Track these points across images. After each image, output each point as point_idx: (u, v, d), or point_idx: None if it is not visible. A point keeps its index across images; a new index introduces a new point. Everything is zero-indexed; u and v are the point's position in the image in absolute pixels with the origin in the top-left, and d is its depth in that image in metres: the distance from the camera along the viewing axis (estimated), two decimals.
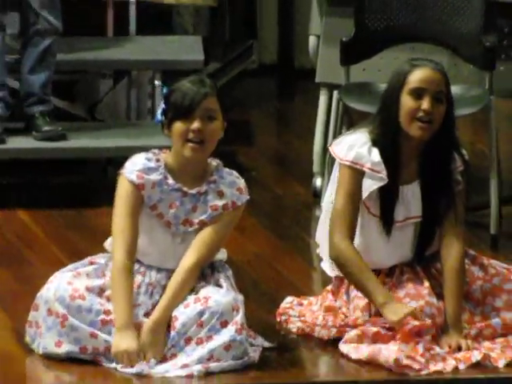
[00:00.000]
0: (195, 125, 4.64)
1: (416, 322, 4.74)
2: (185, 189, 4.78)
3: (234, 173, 4.94)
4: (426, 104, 4.73)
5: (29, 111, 6.28)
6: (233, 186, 4.86)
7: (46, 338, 4.77)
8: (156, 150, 4.84)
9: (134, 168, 4.73)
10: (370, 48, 5.95)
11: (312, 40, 6.45)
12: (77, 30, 6.73)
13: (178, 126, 4.68)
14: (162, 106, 4.92)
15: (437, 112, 4.77)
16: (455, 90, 5.29)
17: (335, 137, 5.92)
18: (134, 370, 4.68)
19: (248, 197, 4.89)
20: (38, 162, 6.39)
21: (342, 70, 5.94)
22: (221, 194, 4.82)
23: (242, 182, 4.90)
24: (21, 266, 5.37)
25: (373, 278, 4.83)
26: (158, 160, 4.78)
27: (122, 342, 4.62)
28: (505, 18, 5.94)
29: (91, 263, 4.93)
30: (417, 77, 4.79)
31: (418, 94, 4.75)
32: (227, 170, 4.93)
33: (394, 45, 5.96)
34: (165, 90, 5.02)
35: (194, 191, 4.78)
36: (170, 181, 4.77)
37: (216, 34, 7.43)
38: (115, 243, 4.72)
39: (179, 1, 7.25)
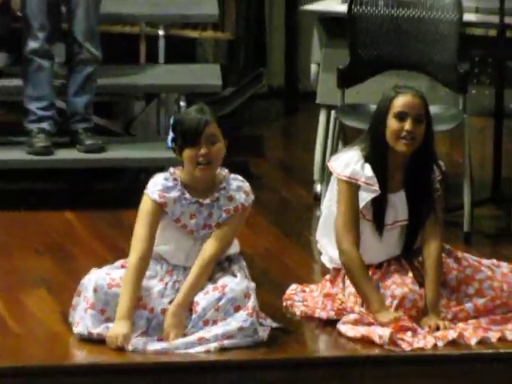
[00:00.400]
0: (202, 151, 4.66)
1: (405, 323, 4.77)
2: (200, 200, 4.80)
3: (239, 178, 4.93)
4: (408, 125, 4.76)
5: (73, 128, 6.26)
6: (240, 189, 4.86)
7: (83, 320, 4.75)
8: (172, 169, 4.85)
9: (155, 188, 4.75)
10: (362, 74, 5.98)
11: (313, 67, 6.45)
12: (114, 59, 6.72)
13: (188, 152, 4.71)
14: (171, 134, 4.92)
15: (418, 131, 4.79)
16: (434, 109, 5.40)
17: (333, 149, 5.94)
18: (159, 347, 4.67)
19: (253, 197, 4.90)
20: (82, 171, 6.43)
21: (339, 93, 5.95)
22: (231, 199, 4.82)
23: (247, 186, 4.89)
24: (67, 260, 5.39)
25: (371, 286, 4.85)
26: (174, 179, 4.80)
27: (117, 328, 4.61)
28: (476, 49, 5.88)
29: (122, 266, 4.92)
30: (400, 102, 4.83)
31: (401, 117, 4.77)
32: (233, 175, 4.91)
33: (382, 71, 5.97)
34: (171, 121, 5.00)
35: (208, 201, 4.79)
36: (187, 196, 4.79)
37: (232, 62, 7.44)
38: (133, 249, 4.74)
39: (201, 35, 7.24)
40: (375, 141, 4.88)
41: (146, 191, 4.77)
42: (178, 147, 4.78)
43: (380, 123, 4.83)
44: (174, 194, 4.77)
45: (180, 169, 4.80)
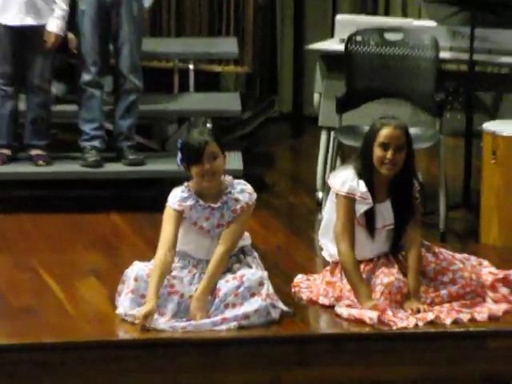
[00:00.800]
0: (205, 167, 4.68)
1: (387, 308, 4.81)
2: (212, 205, 4.81)
3: (242, 181, 4.95)
4: (389, 154, 4.78)
5: (119, 145, 6.27)
6: (243, 191, 4.85)
7: (124, 303, 4.80)
8: (186, 183, 4.85)
9: (174, 200, 4.78)
10: (356, 102, 5.96)
11: (316, 96, 6.41)
12: (153, 89, 6.71)
13: (194, 169, 4.72)
14: (179, 155, 4.91)
15: (399, 158, 4.81)
16: (415, 130, 5.50)
17: (332, 163, 5.98)
18: (187, 326, 4.67)
19: (255, 196, 4.90)
20: (126, 180, 6.45)
21: (337, 117, 5.95)
22: (237, 200, 4.82)
23: (249, 187, 4.90)
24: (113, 254, 5.43)
25: (361, 281, 4.88)
26: (189, 190, 4.82)
27: (144, 307, 4.59)
28: (450, 81, 5.95)
29: None
30: (384, 134, 4.83)
31: (384, 146, 4.78)
32: (236, 180, 4.93)
33: (373, 100, 5.97)
34: (178, 144, 4.99)
35: (218, 204, 4.80)
36: (201, 202, 4.80)
37: (249, 91, 7.40)
38: (160, 246, 4.76)
39: (224, 69, 7.24)
40: (365, 163, 4.89)
41: (167, 203, 4.81)
42: (186, 165, 4.82)
43: (368, 150, 4.85)
44: (190, 202, 4.80)
45: (192, 181, 4.81)
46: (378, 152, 4.82)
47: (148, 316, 4.60)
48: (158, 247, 4.76)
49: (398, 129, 4.87)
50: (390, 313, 4.80)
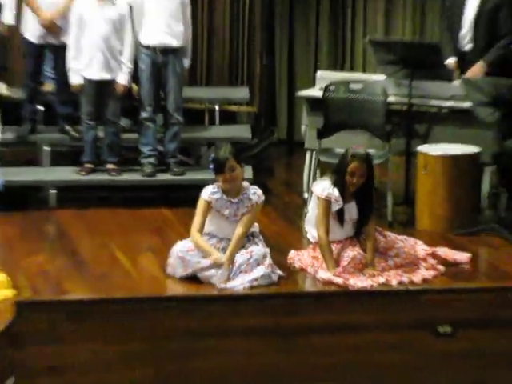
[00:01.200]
0: (226, 176, 4.69)
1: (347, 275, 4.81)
2: (232, 200, 4.78)
3: (255, 187, 4.91)
4: (354, 180, 4.80)
5: (167, 161, 6.23)
6: (255, 194, 4.82)
7: (175, 269, 4.79)
8: (216, 183, 4.84)
9: (206, 193, 4.76)
10: (331, 131, 5.90)
11: (303, 127, 6.34)
12: (190, 122, 6.69)
13: (219, 176, 4.73)
14: (211, 166, 4.88)
15: (361, 180, 4.81)
16: (372, 151, 5.43)
17: (314, 174, 5.99)
18: (217, 284, 4.67)
19: (263, 198, 4.88)
20: (172, 186, 6.35)
21: (317, 142, 5.90)
22: (249, 200, 4.79)
23: (259, 192, 4.86)
24: (164, 236, 5.39)
25: (331, 256, 4.88)
26: (218, 187, 4.78)
27: (212, 257, 4.64)
28: (395, 117, 5.96)
29: None
30: (351, 166, 4.80)
31: (351, 174, 4.78)
32: (252, 186, 4.91)
33: (342, 130, 5.91)
34: (210, 159, 5.00)
35: (236, 200, 4.77)
36: (224, 197, 4.78)
37: (256, 123, 7.34)
38: (193, 227, 4.76)
39: (239, 108, 7.20)
40: (338, 179, 4.89)
41: (201, 195, 4.78)
42: (214, 173, 4.79)
43: (341, 172, 4.83)
44: (217, 196, 4.76)
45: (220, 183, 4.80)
46: (347, 177, 4.83)
47: (217, 259, 4.67)
48: (192, 225, 4.79)
49: (363, 163, 4.85)
50: (352, 279, 4.78)
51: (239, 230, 4.78)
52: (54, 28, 6.04)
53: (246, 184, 4.89)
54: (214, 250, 4.77)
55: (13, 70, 6.58)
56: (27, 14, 6.11)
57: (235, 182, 4.78)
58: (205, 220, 4.80)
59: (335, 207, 4.91)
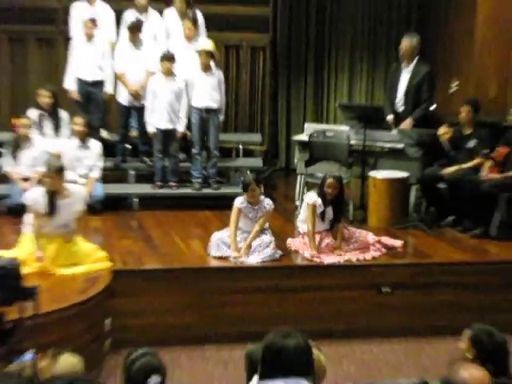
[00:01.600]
0: (249, 194, 4.66)
1: (323, 255, 4.80)
2: (254, 207, 4.72)
3: (268, 199, 4.83)
4: (330, 191, 4.77)
5: (209, 181, 6.16)
6: (268, 204, 4.75)
7: (211, 250, 4.74)
8: (243, 196, 4.75)
9: (238, 202, 4.69)
10: (314, 162, 5.89)
11: (296, 160, 6.22)
12: (224, 156, 6.55)
13: (245, 194, 4.68)
14: (241, 186, 4.87)
15: (334, 192, 4.78)
16: (342, 174, 5.31)
17: (302, 191, 5.87)
18: (237, 261, 4.64)
19: (273, 206, 4.82)
20: (212, 197, 6.17)
21: (305, 169, 5.90)
22: (265, 207, 4.73)
23: (271, 202, 4.79)
24: (207, 229, 5.27)
25: (314, 243, 4.81)
26: (244, 199, 4.70)
27: (232, 250, 4.63)
28: (354, 153, 5.87)
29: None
30: (327, 182, 4.78)
31: (328, 188, 4.77)
32: (266, 199, 4.81)
33: (321, 161, 5.91)
34: (240, 182, 4.99)
35: (256, 207, 4.71)
36: (249, 205, 4.71)
37: (266, 156, 7.10)
38: (231, 223, 4.69)
39: (256, 148, 7.04)
40: (320, 192, 4.82)
41: (234, 204, 4.70)
42: (242, 191, 4.74)
43: (322, 187, 4.79)
44: (244, 205, 4.69)
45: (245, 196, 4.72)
46: (326, 190, 4.79)
47: (235, 255, 4.62)
48: (230, 224, 4.72)
49: (336, 181, 4.82)
50: (327, 257, 4.79)
51: (256, 227, 4.72)
52: (137, 96, 6.04)
53: (262, 197, 4.82)
54: (235, 246, 4.66)
55: (111, 122, 6.59)
56: (120, 86, 6.11)
57: (255, 197, 4.73)
58: (238, 219, 4.72)
59: (319, 210, 4.85)
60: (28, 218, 4.25)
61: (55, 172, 4.13)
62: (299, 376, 2.01)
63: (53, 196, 4.11)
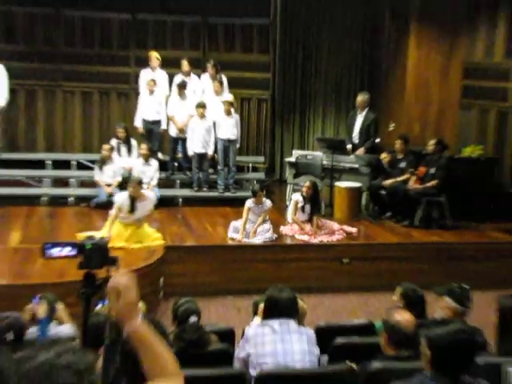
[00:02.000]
0: (256, 198, 4.50)
1: (303, 235, 4.69)
2: (258, 206, 4.58)
3: (268, 200, 4.66)
4: (305, 190, 4.66)
5: (229, 188, 5.88)
6: (268, 203, 4.61)
7: (229, 232, 4.58)
8: (252, 199, 4.46)
9: (248, 203, 4.53)
10: (299, 176, 5.70)
11: (287, 174, 6.01)
12: (238, 171, 6.23)
13: (254, 198, 4.42)
14: (251, 193, 4.61)
15: (310, 192, 4.68)
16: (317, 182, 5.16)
17: (290, 194, 5.56)
18: (247, 241, 4.51)
19: (272, 205, 4.66)
20: (230, 198, 5.90)
21: (293, 180, 5.76)
22: (266, 206, 4.59)
23: (270, 202, 4.64)
24: (227, 220, 4.98)
25: (300, 228, 4.67)
26: (253, 201, 4.55)
27: (239, 235, 4.47)
28: (325, 169, 5.57)
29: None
30: (305, 185, 4.64)
31: (307, 189, 4.65)
32: (267, 200, 4.64)
33: (304, 175, 5.67)
34: (250, 189, 4.71)
35: (260, 206, 4.57)
36: (255, 205, 4.56)
37: (266, 172, 6.72)
38: (243, 218, 4.50)
39: (259, 165, 6.79)
40: (301, 193, 4.73)
41: (245, 204, 4.55)
42: (252, 196, 4.56)
43: (302, 190, 4.70)
44: (253, 205, 4.56)
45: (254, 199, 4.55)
46: (305, 190, 4.72)
47: (239, 238, 4.49)
48: (242, 217, 4.56)
49: (310, 183, 4.75)
50: (307, 238, 4.70)
51: (260, 219, 4.62)
52: (182, 131, 5.80)
53: (264, 199, 4.71)
54: (242, 232, 4.47)
55: (164, 148, 6.21)
56: (171, 124, 5.93)
57: (260, 199, 4.63)
58: (248, 214, 4.62)
59: (300, 205, 4.80)
60: (112, 212, 4.33)
61: (136, 183, 4.30)
62: (289, 318, 2.11)
63: (134, 199, 4.27)
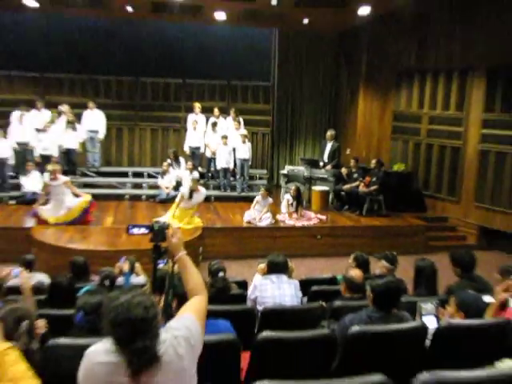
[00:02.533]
0: (263, 195, 4.19)
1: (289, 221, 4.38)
2: (264, 200, 4.29)
3: (269, 197, 4.33)
4: (292, 191, 4.35)
5: (244, 189, 5.53)
6: (270, 199, 4.33)
7: (245, 217, 4.32)
8: (260, 194, 4.16)
9: (257, 197, 4.22)
10: (290, 182, 5.46)
11: (281, 181, 5.66)
12: (250, 179, 5.87)
13: (260, 195, 4.20)
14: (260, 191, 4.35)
15: (295, 193, 4.37)
16: (301, 187, 4.81)
17: (284, 194, 5.21)
18: (255, 223, 4.23)
19: (272, 200, 4.34)
20: (245, 197, 5.63)
21: (286, 184, 5.54)
22: (268, 200, 4.29)
23: (271, 198, 4.30)
24: (242, 210, 4.77)
25: (290, 215, 4.38)
26: (260, 196, 4.28)
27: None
28: (305, 178, 5.35)
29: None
30: (292, 189, 4.38)
31: (294, 191, 4.47)
32: (269, 197, 4.30)
33: (292, 182, 5.35)
34: (261, 189, 4.38)
35: (265, 199, 4.27)
36: (262, 199, 4.26)
37: (268, 180, 6.34)
38: (251, 207, 4.19)
39: (263, 176, 6.33)
40: (290, 193, 4.46)
41: (255, 198, 4.24)
42: (260, 194, 4.29)
43: (291, 191, 4.41)
44: (260, 198, 4.28)
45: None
46: (293, 192, 4.54)
47: (249, 220, 4.24)
48: (252, 204, 4.32)
49: (295, 187, 4.49)
50: (294, 222, 4.52)
51: (264, 210, 4.48)
52: (214, 153, 5.65)
53: (267, 196, 4.54)
54: (250, 217, 4.25)
55: (202, 164, 6.03)
56: (207, 149, 5.69)
57: (264, 196, 4.49)
58: (255, 205, 4.44)
59: (290, 202, 4.62)
60: (177, 199, 4.30)
61: (195, 181, 4.28)
62: (282, 273, 2.15)
63: (192, 191, 4.24)
